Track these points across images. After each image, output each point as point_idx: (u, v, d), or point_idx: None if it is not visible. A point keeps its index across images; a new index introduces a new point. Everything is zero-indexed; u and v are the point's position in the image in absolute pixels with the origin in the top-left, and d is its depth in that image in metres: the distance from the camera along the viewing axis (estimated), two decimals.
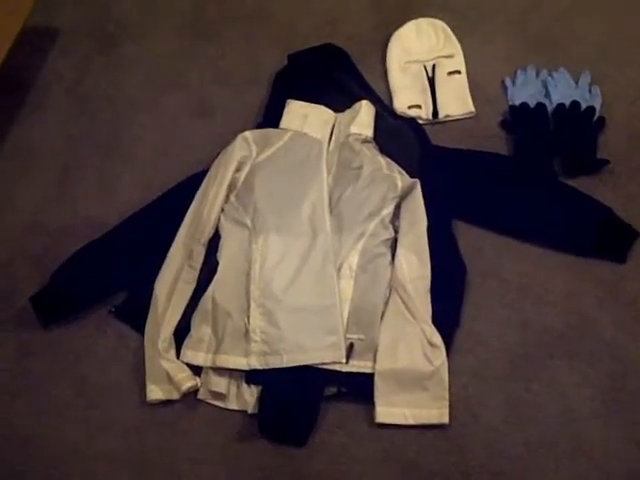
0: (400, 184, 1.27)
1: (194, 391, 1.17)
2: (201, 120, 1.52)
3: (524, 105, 1.43)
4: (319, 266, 1.19)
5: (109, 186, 1.44)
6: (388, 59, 1.54)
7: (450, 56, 1.52)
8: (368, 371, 1.13)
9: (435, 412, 1.11)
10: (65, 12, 1.73)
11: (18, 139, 1.53)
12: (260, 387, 1.14)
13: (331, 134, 1.35)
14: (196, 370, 1.18)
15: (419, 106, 1.46)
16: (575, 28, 1.58)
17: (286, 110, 1.38)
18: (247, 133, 1.34)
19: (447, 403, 1.11)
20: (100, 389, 1.20)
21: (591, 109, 1.40)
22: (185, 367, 1.17)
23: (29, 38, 1.59)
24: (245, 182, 1.29)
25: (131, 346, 1.23)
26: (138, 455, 1.14)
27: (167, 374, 1.15)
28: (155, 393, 1.16)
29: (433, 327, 1.15)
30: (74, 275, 1.27)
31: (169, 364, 1.16)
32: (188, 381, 1.15)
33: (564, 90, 1.44)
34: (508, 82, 1.49)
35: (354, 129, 1.33)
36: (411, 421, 1.11)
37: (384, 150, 1.35)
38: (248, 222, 1.25)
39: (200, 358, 1.17)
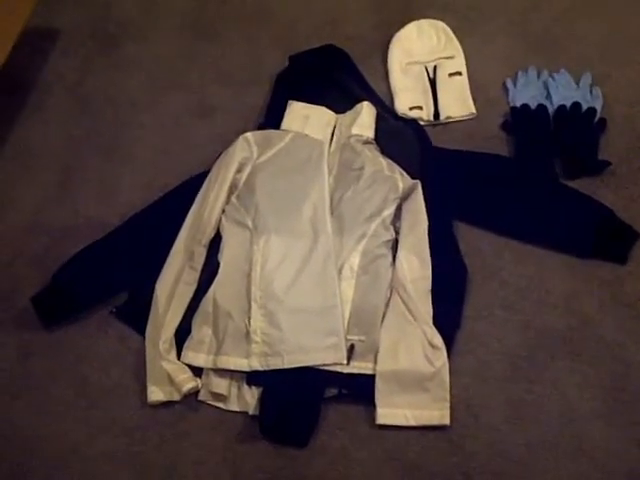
0: (401, 185, 1.27)
1: (195, 392, 1.17)
2: (202, 120, 1.52)
3: (525, 106, 1.43)
4: (320, 267, 1.19)
5: (110, 186, 1.44)
6: (389, 60, 1.54)
7: (451, 57, 1.52)
8: (369, 372, 1.13)
9: (436, 413, 1.11)
10: (66, 13, 1.73)
11: (19, 139, 1.53)
12: (261, 388, 1.14)
13: (332, 135, 1.35)
14: (197, 371, 1.18)
15: (420, 107, 1.46)
16: (575, 28, 1.58)
17: (287, 111, 1.38)
18: (248, 134, 1.34)
19: (448, 404, 1.11)
20: (101, 390, 1.20)
21: (592, 110, 1.40)
22: (186, 368, 1.17)
23: (30, 39, 1.59)
24: (246, 183, 1.29)
25: (132, 347, 1.23)
26: (139, 456, 1.14)
27: (168, 375, 1.15)
28: (156, 394, 1.16)
29: (434, 328, 1.16)
30: (75, 275, 1.27)
31: (170, 365, 1.16)
32: (189, 382, 1.15)
33: (565, 91, 1.44)
34: (509, 83, 1.49)
35: (355, 130, 1.34)
36: (412, 422, 1.11)
37: (385, 151, 1.35)
38: (249, 223, 1.25)
39: (201, 359, 1.17)
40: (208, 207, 1.28)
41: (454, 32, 1.56)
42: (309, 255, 1.20)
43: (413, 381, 1.12)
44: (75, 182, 1.45)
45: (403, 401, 1.11)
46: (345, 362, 1.13)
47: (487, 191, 1.32)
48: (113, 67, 1.63)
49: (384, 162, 1.31)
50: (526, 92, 1.46)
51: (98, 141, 1.51)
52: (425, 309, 1.18)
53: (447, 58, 1.52)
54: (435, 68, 1.51)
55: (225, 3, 1.72)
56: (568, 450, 1.09)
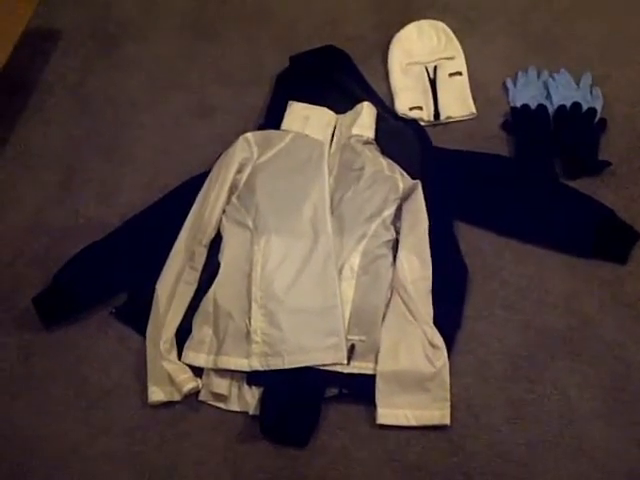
0: (401, 185, 1.27)
1: (195, 392, 1.17)
2: (202, 120, 1.52)
3: (525, 107, 1.43)
4: (320, 267, 1.19)
5: (110, 186, 1.44)
6: (389, 61, 1.54)
7: (451, 58, 1.53)
8: (369, 372, 1.13)
9: (437, 413, 1.11)
10: (66, 14, 1.73)
11: (20, 139, 1.53)
12: (261, 388, 1.14)
13: (332, 136, 1.35)
14: (197, 371, 1.18)
15: (420, 107, 1.46)
16: (575, 28, 1.58)
17: (287, 112, 1.38)
18: (248, 134, 1.34)
19: (448, 404, 1.12)
20: (101, 390, 1.20)
21: (592, 110, 1.40)
22: (187, 368, 1.17)
23: (31, 40, 1.60)
24: (247, 183, 1.29)
25: (132, 347, 1.23)
26: (139, 456, 1.14)
27: (169, 375, 1.15)
28: (157, 394, 1.16)
29: (434, 328, 1.16)
30: (76, 276, 1.27)
31: (171, 365, 1.16)
32: (189, 382, 1.15)
33: (565, 92, 1.44)
34: (509, 83, 1.49)
35: (355, 130, 1.34)
36: (413, 422, 1.11)
37: (385, 151, 1.35)
38: (250, 223, 1.25)
39: (201, 359, 1.17)
40: (209, 207, 1.28)
41: (454, 32, 1.56)
42: (309, 255, 1.20)
43: (414, 381, 1.12)
44: (75, 182, 1.46)
45: (404, 401, 1.11)
46: (345, 362, 1.13)
47: (487, 191, 1.32)
48: (113, 67, 1.63)
49: (384, 162, 1.31)
50: (526, 92, 1.46)
51: (98, 141, 1.51)
52: (425, 309, 1.18)
53: (447, 58, 1.53)
54: (435, 68, 1.51)
55: (225, 3, 1.72)
56: (568, 450, 1.09)
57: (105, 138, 1.52)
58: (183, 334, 1.20)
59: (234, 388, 1.16)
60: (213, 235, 1.27)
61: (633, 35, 1.56)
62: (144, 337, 1.21)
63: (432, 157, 1.37)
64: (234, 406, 1.16)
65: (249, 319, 1.16)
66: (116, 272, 1.28)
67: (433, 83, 1.50)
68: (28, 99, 1.59)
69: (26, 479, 1.14)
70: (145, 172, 1.45)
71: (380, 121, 1.39)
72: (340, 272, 1.19)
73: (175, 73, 1.61)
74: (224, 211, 1.28)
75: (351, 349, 1.14)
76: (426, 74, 1.51)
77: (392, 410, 1.11)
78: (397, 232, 1.26)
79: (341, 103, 1.41)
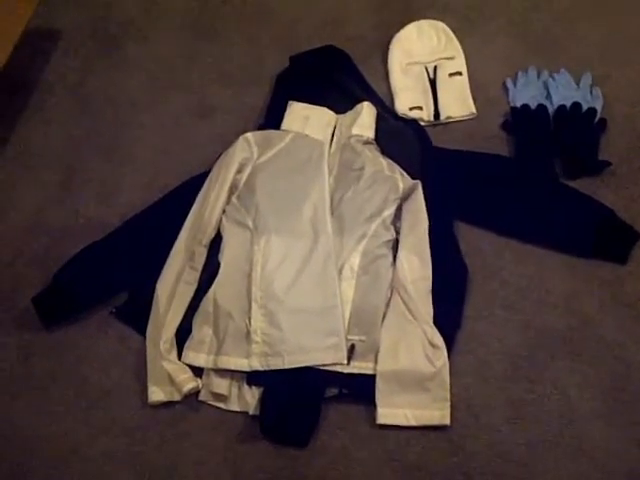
0: (401, 185, 1.27)
1: (195, 392, 1.17)
2: (202, 121, 1.52)
3: (525, 107, 1.43)
4: (320, 267, 1.19)
5: (110, 186, 1.44)
6: (389, 61, 1.54)
7: (451, 58, 1.53)
8: (369, 372, 1.13)
9: (437, 413, 1.11)
10: (67, 14, 1.73)
11: (20, 139, 1.53)
12: (261, 388, 1.14)
13: (332, 136, 1.35)
14: (198, 371, 1.18)
15: (420, 107, 1.46)
16: (575, 28, 1.58)
17: (287, 112, 1.38)
18: (248, 134, 1.34)
19: (449, 404, 1.12)
20: (101, 390, 1.20)
21: (592, 110, 1.40)
22: (187, 368, 1.17)
23: (31, 40, 1.59)
24: (247, 183, 1.29)
25: (132, 347, 1.23)
26: (139, 456, 1.14)
27: (169, 375, 1.15)
28: (157, 394, 1.16)
29: (434, 328, 1.16)
30: (76, 276, 1.27)
31: (171, 365, 1.16)
32: (190, 382, 1.15)
33: (565, 92, 1.44)
34: (509, 83, 1.49)
35: (355, 130, 1.34)
36: (413, 422, 1.11)
37: (385, 151, 1.35)
38: (250, 223, 1.25)
39: (201, 359, 1.17)
40: (209, 207, 1.28)
41: (454, 32, 1.56)
42: (309, 255, 1.20)
43: (413, 381, 1.12)
44: (76, 182, 1.46)
45: (403, 401, 1.11)
46: (345, 362, 1.13)
47: (487, 191, 1.32)
48: (113, 67, 1.63)
49: (384, 162, 1.31)
50: (526, 92, 1.46)
51: (98, 141, 1.51)
52: (425, 309, 1.18)
53: (447, 58, 1.52)
54: (435, 68, 1.51)
55: (225, 3, 1.72)
56: (568, 450, 1.09)
57: (105, 138, 1.52)
58: (183, 334, 1.20)
59: (234, 388, 1.16)
60: (213, 235, 1.27)
61: (633, 35, 1.56)
62: (144, 337, 1.21)
63: (432, 157, 1.37)
64: (234, 406, 1.16)
65: (249, 319, 1.16)
66: (116, 272, 1.29)
67: (433, 83, 1.50)
68: (28, 99, 1.59)
69: (26, 479, 1.14)
70: (145, 172, 1.45)
71: (380, 121, 1.39)
72: (340, 272, 1.19)
73: (175, 73, 1.61)
74: (224, 211, 1.28)
75: (351, 349, 1.14)
76: (426, 74, 1.51)
77: (392, 410, 1.11)
78: (397, 232, 1.26)
79: (341, 103, 1.41)
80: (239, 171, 1.31)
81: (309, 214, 1.24)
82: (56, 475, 1.14)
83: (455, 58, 1.53)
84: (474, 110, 1.46)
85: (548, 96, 1.45)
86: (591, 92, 1.44)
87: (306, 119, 1.36)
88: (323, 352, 1.13)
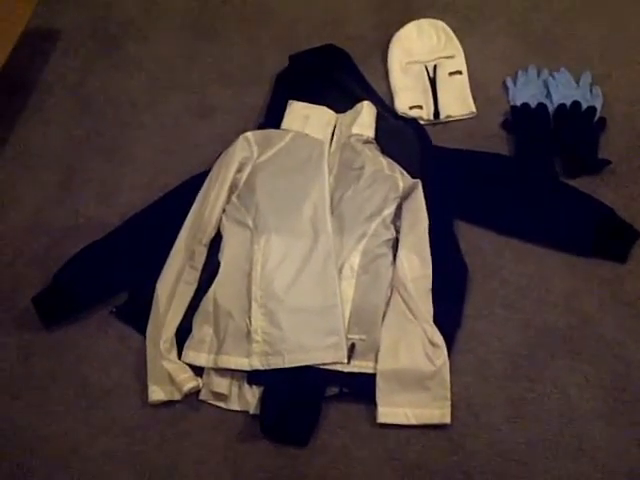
0: (401, 184, 1.27)
1: (196, 392, 1.17)
2: (202, 120, 1.52)
3: (525, 105, 1.43)
4: (320, 267, 1.19)
5: (110, 186, 1.44)
6: (389, 60, 1.54)
7: (451, 57, 1.53)
8: (370, 371, 1.13)
9: (437, 412, 1.11)
10: (67, 14, 1.73)
11: (19, 140, 1.53)
12: (262, 387, 1.14)
13: (332, 135, 1.35)
14: (198, 371, 1.18)
15: (420, 107, 1.46)
16: (575, 28, 1.58)
17: (287, 111, 1.38)
18: (248, 134, 1.34)
19: (449, 403, 1.11)
20: (101, 390, 1.20)
21: (592, 109, 1.40)
22: (187, 368, 1.17)
23: (31, 40, 1.60)
24: (247, 183, 1.29)
25: (132, 347, 1.23)
26: (139, 455, 1.14)
27: (169, 375, 1.15)
28: (157, 394, 1.16)
29: (434, 327, 1.16)
30: (76, 275, 1.27)
31: (171, 365, 1.16)
32: (190, 382, 1.15)
33: (565, 90, 1.44)
34: (509, 82, 1.49)
35: (355, 130, 1.34)
36: (413, 421, 1.11)
37: (385, 150, 1.35)
38: (250, 223, 1.25)
39: (202, 359, 1.17)
40: (209, 207, 1.28)
41: (454, 32, 1.56)
42: (309, 254, 1.20)
43: (414, 380, 1.12)
44: (75, 182, 1.46)
45: (404, 400, 1.11)
46: (346, 361, 1.13)
47: (487, 190, 1.32)
48: (113, 67, 1.63)
49: (384, 161, 1.31)
50: (526, 91, 1.46)
51: (98, 141, 1.51)
52: (425, 308, 1.18)
53: (447, 57, 1.53)
54: (435, 67, 1.51)
55: (225, 3, 1.72)
56: (568, 449, 1.09)
57: (105, 138, 1.52)
58: (183, 334, 1.20)
59: (234, 387, 1.16)
60: (213, 234, 1.27)
61: (633, 35, 1.56)
62: (144, 336, 1.21)
63: (432, 156, 1.37)
64: (234, 405, 1.16)
65: (249, 318, 1.16)
66: (116, 271, 1.28)
67: (433, 82, 1.50)
68: (28, 99, 1.59)
69: (26, 479, 1.14)
70: (145, 172, 1.45)
71: (380, 120, 1.39)
72: (340, 271, 1.19)
73: (175, 73, 1.61)
74: (224, 210, 1.28)
75: (351, 348, 1.14)
76: (426, 73, 1.51)
77: (392, 409, 1.11)
78: (397, 231, 1.26)
79: (341, 102, 1.41)
80: (239, 170, 1.31)
81: (309, 213, 1.24)
82: (56, 475, 1.14)
83: (455, 57, 1.53)
84: (474, 109, 1.46)
85: (548, 95, 1.45)
86: (591, 91, 1.44)
87: (306, 118, 1.36)
88: (323, 351, 1.13)
